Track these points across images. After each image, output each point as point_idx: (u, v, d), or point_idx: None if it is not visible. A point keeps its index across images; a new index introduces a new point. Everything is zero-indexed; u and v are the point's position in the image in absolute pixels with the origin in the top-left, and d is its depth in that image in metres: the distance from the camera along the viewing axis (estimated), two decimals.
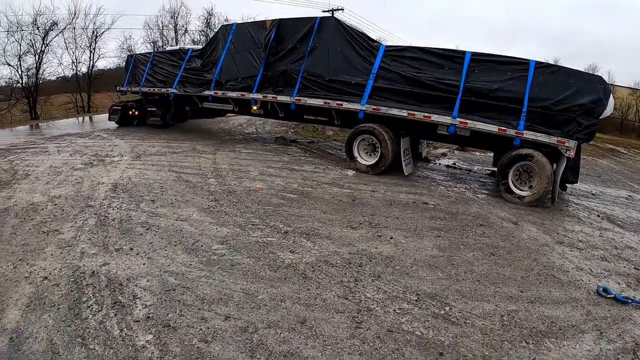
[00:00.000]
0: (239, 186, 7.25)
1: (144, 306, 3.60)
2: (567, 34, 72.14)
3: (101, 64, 35.87)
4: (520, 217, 6.55)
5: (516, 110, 7.21)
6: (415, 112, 7.86)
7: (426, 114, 7.78)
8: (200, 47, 13.29)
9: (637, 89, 34.65)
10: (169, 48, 17.02)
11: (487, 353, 3.14)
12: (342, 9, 31.57)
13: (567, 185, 8.14)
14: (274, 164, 9.06)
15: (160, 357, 3.00)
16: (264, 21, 10.35)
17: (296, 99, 9.28)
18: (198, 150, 10.26)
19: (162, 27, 33.03)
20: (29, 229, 5.21)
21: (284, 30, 9.91)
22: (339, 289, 3.92)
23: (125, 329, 3.31)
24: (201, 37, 32.45)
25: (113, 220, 5.53)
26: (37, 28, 26.35)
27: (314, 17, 9.54)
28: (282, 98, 9.58)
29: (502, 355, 3.13)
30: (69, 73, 28.89)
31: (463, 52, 7.82)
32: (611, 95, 7.12)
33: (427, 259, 4.72)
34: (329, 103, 8.85)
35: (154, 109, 13.69)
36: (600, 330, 3.58)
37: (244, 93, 10.26)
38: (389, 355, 3.04)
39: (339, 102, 8.72)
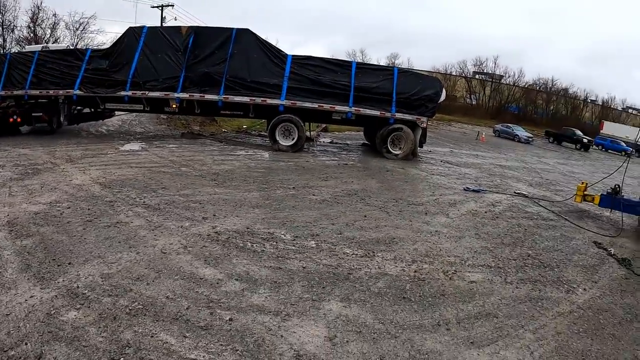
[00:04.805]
0: (219, 168, 10.23)
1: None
2: (371, 26, 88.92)
3: None
4: (402, 165, 11.85)
5: (388, 100, 12.50)
6: (324, 105, 12.43)
7: (331, 105, 12.43)
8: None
9: (434, 72, 47.13)
10: (52, 47, 16.93)
11: (434, 209, 7.94)
12: (172, 5, 34.07)
13: (422, 145, 13.98)
14: (214, 153, 12.27)
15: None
16: (180, 27, 13.28)
17: (224, 97, 12.64)
18: (129, 151, 12.40)
19: None
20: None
21: (201, 37, 13.03)
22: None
23: None
24: (29, 34, 29.90)
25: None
26: None
27: (230, 28, 12.99)
28: (209, 96, 12.71)
29: (446, 209, 7.96)
30: None
31: (350, 62, 12.82)
32: (444, 89, 13.08)
33: (379, 187, 9.29)
34: (254, 100, 12.57)
35: (41, 114, 13.88)
36: (475, 200, 8.78)
37: (168, 93, 12.90)
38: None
39: (263, 99, 12.55)
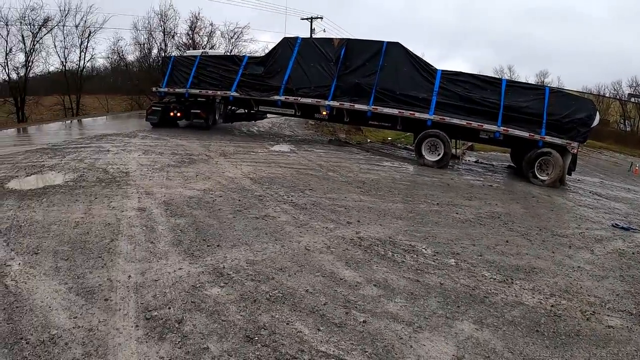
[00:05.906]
0: (365, 176, 11.38)
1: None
2: (514, 39, 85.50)
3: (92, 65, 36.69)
4: (549, 192, 11.88)
5: (538, 122, 12.53)
6: (472, 122, 12.87)
7: (480, 123, 12.84)
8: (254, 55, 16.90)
9: (585, 93, 43.98)
10: (210, 52, 19.71)
11: (579, 243, 8.13)
12: (321, 17, 36.73)
13: (571, 173, 13.74)
14: (360, 161, 13.44)
15: None
16: (332, 39, 14.66)
17: (373, 108, 13.76)
18: (279, 152, 14.12)
19: (151, 29, 34.59)
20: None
21: (353, 49, 14.28)
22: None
23: None
24: (188, 40, 34.71)
25: None
26: (28, 24, 27.54)
27: (381, 41, 14.08)
28: (359, 106, 13.93)
29: (591, 245, 8.11)
30: (53, 69, 30.26)
31: (500, 79, 13.04)
32: (597, 112, 12.78)
33: (523, 213, 9.62)
34: (402, 112, 13.49)
35: (199, 111, 16.46)
36: (624, 239, 8.73)
37: (320, 100, 14.39)
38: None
39: (411, 112, 13.41)
